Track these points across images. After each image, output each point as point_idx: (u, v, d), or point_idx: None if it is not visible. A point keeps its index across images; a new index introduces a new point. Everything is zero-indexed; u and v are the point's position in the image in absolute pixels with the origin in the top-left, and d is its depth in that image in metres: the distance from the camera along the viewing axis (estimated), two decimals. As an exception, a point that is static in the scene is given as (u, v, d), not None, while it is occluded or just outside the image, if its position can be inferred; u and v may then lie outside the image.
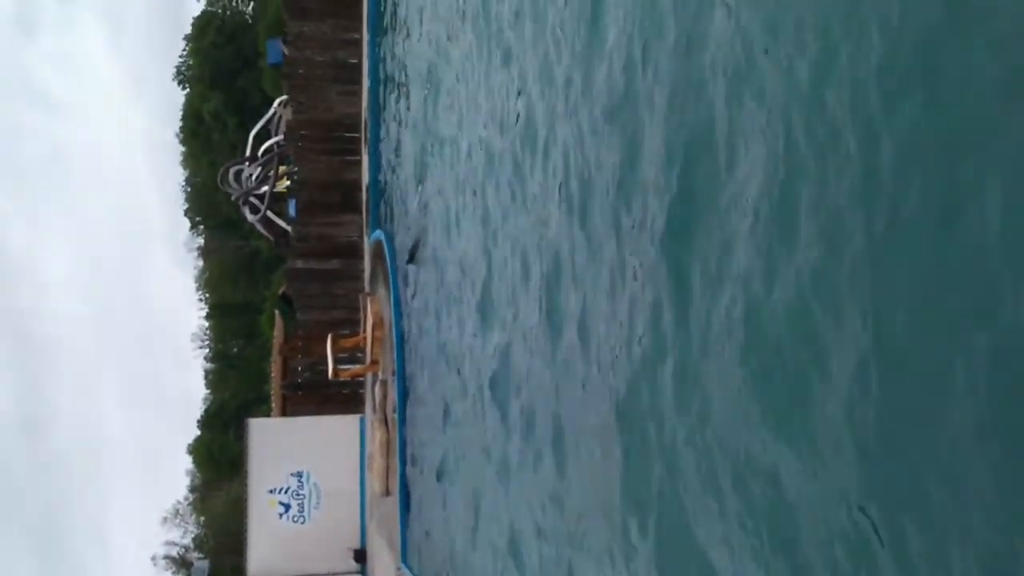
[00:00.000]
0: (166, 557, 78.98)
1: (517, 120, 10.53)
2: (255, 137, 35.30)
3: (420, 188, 17.17)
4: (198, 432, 77.16)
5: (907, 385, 3.74)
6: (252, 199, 33.73)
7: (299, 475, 24.63)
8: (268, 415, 36.56)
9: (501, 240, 11.07)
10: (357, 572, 23.92)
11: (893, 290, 3.84)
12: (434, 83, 16.31)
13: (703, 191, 5.59)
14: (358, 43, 27.61)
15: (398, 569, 17.29)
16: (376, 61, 24.35)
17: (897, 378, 3.79)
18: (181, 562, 76.14)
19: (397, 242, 19.19)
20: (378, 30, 24.23)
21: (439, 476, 14.66)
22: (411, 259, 16.33)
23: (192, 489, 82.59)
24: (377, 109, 23.77)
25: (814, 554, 4.30)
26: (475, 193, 12.54)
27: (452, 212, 14.20)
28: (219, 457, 67.83)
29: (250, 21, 69.31)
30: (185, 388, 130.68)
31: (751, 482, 4.90)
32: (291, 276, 29.97)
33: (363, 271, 26.31)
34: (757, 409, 4.85)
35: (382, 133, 23.35)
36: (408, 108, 19.44)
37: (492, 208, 11.59)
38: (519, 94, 10.52)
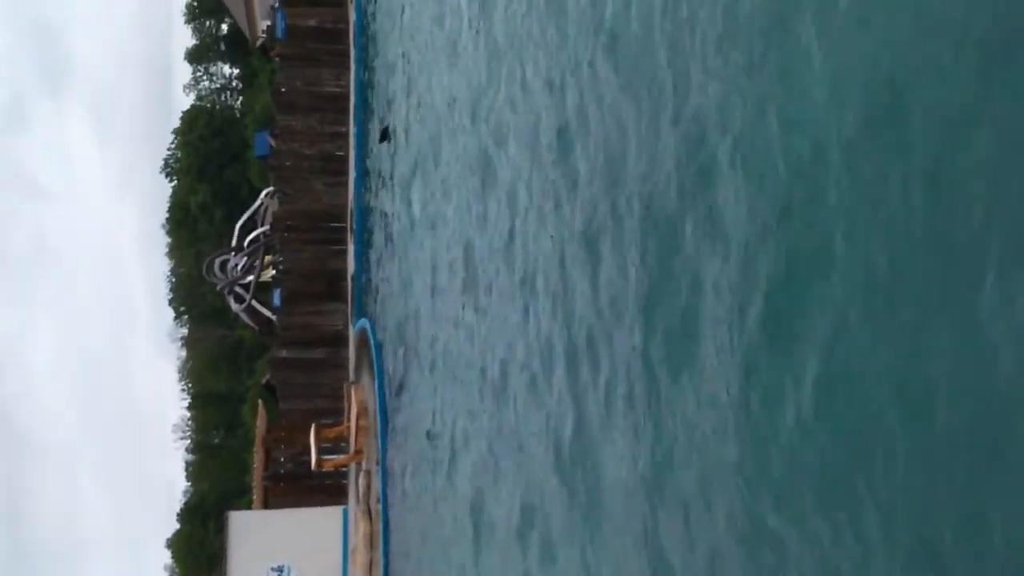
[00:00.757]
0: (143, 656, 76.58)
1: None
2: (241, 228, 35.48)
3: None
4: (178, 525, 75.54)
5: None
6: (237, 288, 33.73)
7: (280, 570, 24.10)
8: (249, 506, 35.94)
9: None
10: (340, 669, 23.25)
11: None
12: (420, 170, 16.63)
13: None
14: (345, 136, 28.09)
15: (382, 666, 16.90)
16: (362, 153, 24.77)
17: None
18: (158, 661, 73.82)
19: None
20: (365, 124, 24.71)
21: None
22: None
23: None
24: (363, 200, 24.07)
25: None
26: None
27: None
28: (198, 551, 66.29)
29: (238, 115, 70.31)
30: (166, 480, 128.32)
31: None
32: (275, 365, 29.81)
33: (348, 360, 26.25)
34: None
35: (368, 223, 23.60)
36: (393, 200, 19.73)
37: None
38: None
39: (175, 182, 75.17)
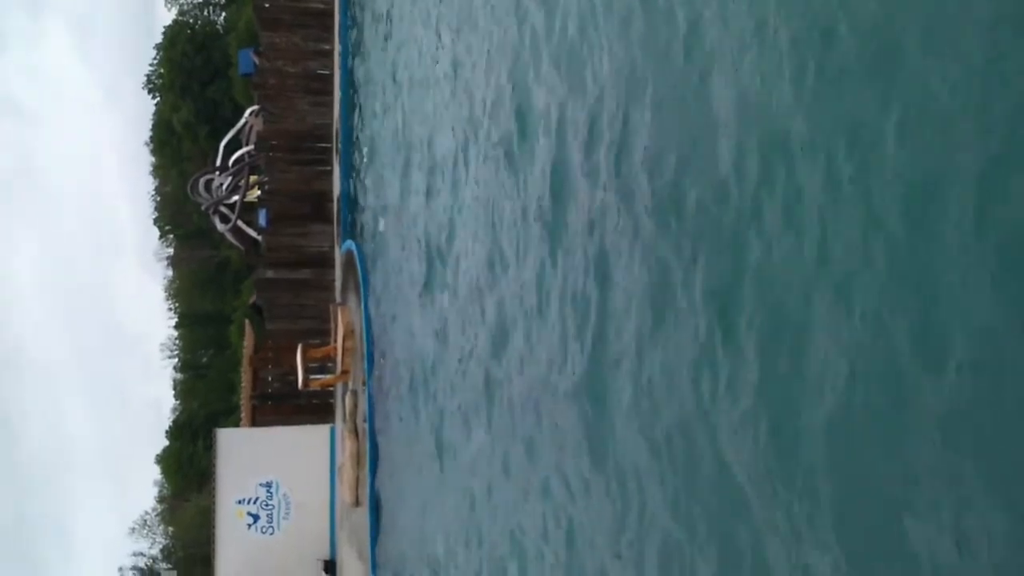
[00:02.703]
0: (133, 568, 78.13)
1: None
2: (225, 147, 35.15)
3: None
4: (167, 442, 76.35)
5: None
6: (222, 209, 33.57)
7: (268, 486, 24.50)
8: (237, 425, 36.33)
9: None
10: (327, 583, 23.82)
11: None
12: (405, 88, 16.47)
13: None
14: (330, 54, 27.67)
15: (368, 579, 17.34)
16: (348, 72, 24.44)
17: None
18: (149, 573, 75.35)
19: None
20: (350, 41, 24.32)
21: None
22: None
23: (160, 500, 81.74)
24: (348, 120, 23.84)
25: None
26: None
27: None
28: (187, 468, 67.14)
29: (221, 31, 68.92)
30: (154, 398, 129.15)
31: None
32: (261, 286, 29.86)
33: (334, 281, 26.31)
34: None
35: (353, 143, 23.42)
36: (379, 118, 19.56)
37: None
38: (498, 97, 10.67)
39: (158, 99, 74.07)
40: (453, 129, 12.67)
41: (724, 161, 5.56)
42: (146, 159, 79.58)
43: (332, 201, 26.73)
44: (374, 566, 16.99)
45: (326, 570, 24.03)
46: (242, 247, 35.24)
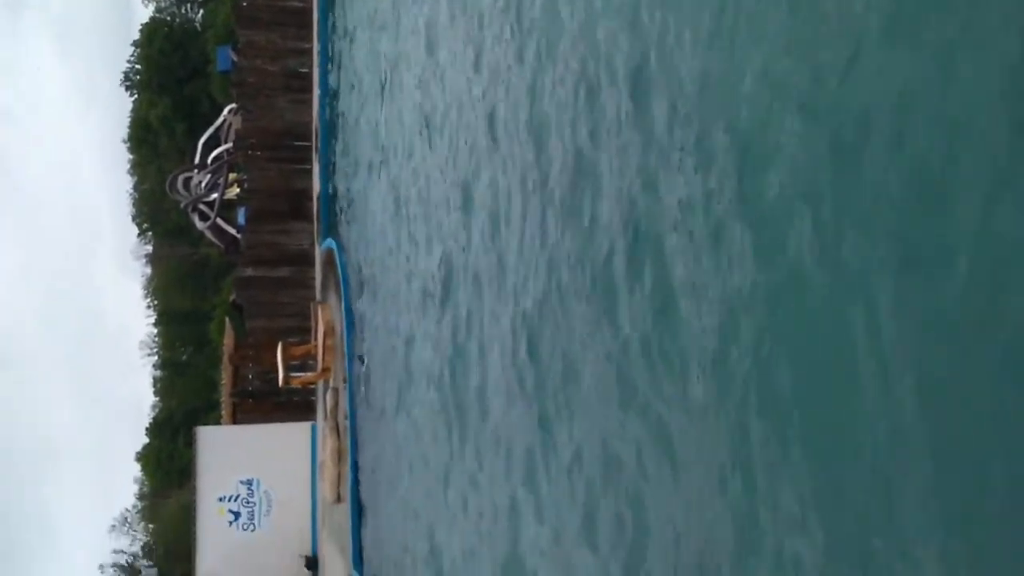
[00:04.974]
0: (114, 565, 77.83)
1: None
2: (204, 144, 35.16)
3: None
4: (147, 439, 76.12)
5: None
6: (201, 206, 33.59)
7: (249, 483, 24.59)
8: (218, 423, 36.33)
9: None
10: (308, 579, 23.95)
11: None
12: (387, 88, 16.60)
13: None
14: (308, 52, 27.73)
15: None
16: (327, 70, 24.52)
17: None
18: (130, 570, 75.06)
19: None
20: (329, 39, 24.39)
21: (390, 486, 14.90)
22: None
23: (141, 497, 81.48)
24: (327, 118, 23.92)
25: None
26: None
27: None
28: (168, 465, 67.00)
29: (199, 28, 68.63)
30: (134, 395, 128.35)
31: None
32: (240, 284, 29.89)
33: (313, 279, 26.39)
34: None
35: (333, 142, 23.50)
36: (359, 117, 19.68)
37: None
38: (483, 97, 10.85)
39: (136, 96, 73.70)
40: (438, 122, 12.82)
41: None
42: (124, 156, 79.17)
43: (312, 199, 26.81)
44: (356, 561, 17.15)
45: (308, 566, 24.16)
46: (221, 245, 35.28)
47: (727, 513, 5.23)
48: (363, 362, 16.41)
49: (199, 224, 34.34)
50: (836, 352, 4.40)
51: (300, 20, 28.23)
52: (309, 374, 22.86)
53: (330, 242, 21.83)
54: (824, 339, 4.52)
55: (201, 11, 70.35)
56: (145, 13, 75.73)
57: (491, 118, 9.97)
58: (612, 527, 6.70)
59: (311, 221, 27.08)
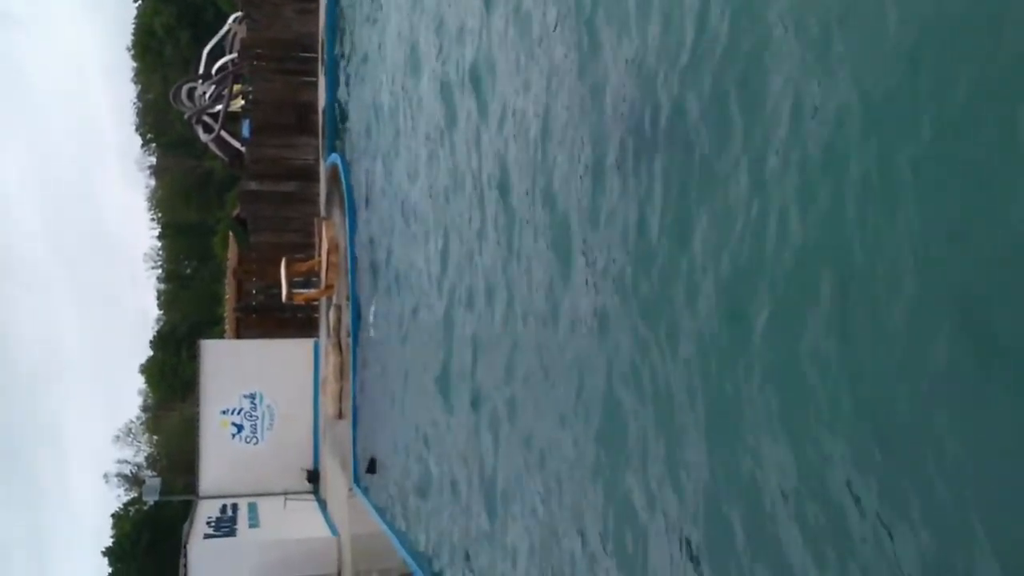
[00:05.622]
0: (118, 475, 79.13)
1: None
2: (208, 54, 34.48)
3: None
4: (151, 352, 76.61)
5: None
6: (206, 118, 33.09)
7: (252, 397, 24.74)
8: (221, 337, 36.45)
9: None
10: (310, 492, 24.25)
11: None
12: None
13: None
14: (315, -40, 27.02)
15: (350, 489, 17.61)
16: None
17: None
18: (133, 480, 76.31)
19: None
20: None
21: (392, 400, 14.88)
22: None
23: (144, 408, 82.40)
24: (335, 29, 23.33)
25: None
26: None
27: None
28: (172, 378, 67.54)
29: (203, -68, 67.09)
30: (139, 308, 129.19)
31: None
32: (244, 198, 29.63)
33: (318, 195, 26.10)
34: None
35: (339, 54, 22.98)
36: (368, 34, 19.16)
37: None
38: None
39: (139, 2, 72.39)
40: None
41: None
42: (128, 64, 78.10)
43: (317, 113, 26.35)
44: (356, 475, 17.25)
45: (309, 479, 24.45)
46: (226, 157, 34.86)
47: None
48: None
49: (203, 136, 33.87)
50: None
51: (307, -74, 27.48)
52: (312, 291, 22.74)
53: (335, 157, 21.47)
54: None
55: (205, -85, 68.65)
56: (149, -82, 73.95)
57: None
58: (603, 411, 6.59)
59: (316, 135, 26.67)
